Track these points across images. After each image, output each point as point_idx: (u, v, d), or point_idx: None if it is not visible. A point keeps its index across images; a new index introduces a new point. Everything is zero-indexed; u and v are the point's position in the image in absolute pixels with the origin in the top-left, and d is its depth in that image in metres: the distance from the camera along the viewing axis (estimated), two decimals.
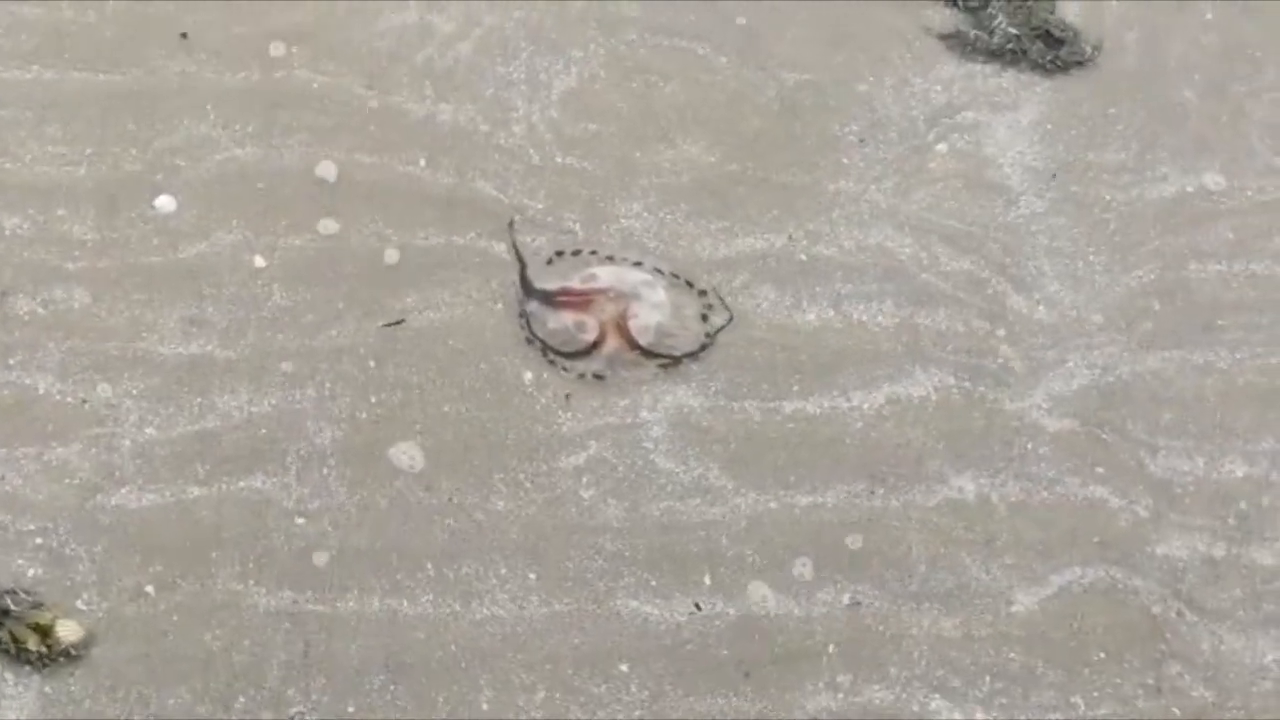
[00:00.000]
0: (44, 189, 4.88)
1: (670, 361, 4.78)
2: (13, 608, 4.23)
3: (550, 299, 4.81)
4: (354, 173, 5.01)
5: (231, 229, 4.88)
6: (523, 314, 4.80)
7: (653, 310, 4.83)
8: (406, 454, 4.59)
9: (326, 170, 5.00)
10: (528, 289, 4.82)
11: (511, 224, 4.91)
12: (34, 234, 4.81)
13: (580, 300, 4.81)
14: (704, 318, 4.87)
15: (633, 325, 4.79)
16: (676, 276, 4.92)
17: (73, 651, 4.22)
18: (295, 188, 4.97)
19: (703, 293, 4.92)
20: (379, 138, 5.08)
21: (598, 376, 4.74)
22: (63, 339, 4.66)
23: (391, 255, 4.88)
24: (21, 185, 4.87)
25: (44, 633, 4.22)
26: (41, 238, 4.81)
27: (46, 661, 4.21)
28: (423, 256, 4.90)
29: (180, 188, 4.93)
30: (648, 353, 4.78)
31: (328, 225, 4.92)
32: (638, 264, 4.93)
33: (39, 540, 4.37)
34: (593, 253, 4.94)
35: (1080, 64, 5.45)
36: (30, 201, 4.85)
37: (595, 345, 4.77)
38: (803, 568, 4.53)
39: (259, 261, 4.84)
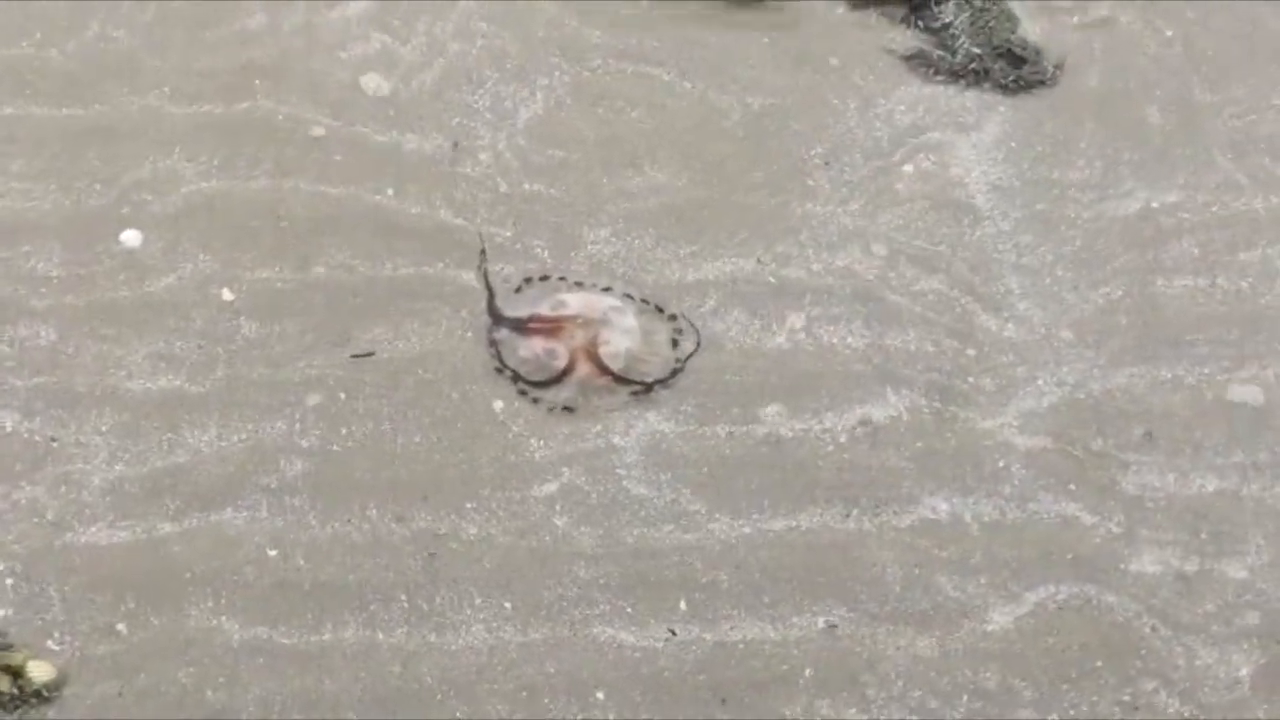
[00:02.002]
0: (9, 225, 4.86)
1: (642, 388, 4.78)
2: None
3: (520, 326, 4.80)
4: (320, 204, 5.00)
5: (199, 262, 4.86)
6: (492, 343, 4.79)
7: (623, 336, 4.82)
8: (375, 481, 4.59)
9: (291, 203, 4.99)
10: (496, 317, 4.81)
11: (482, 252, 4.90)
12: None
13: (550, 327, 4.81)
14: (674, 343, 4.87)
15: (603, 352, 4.79)
16: (646, 302, 4.92)
17: (45, 692, 4.19)
18: (262, 220, 4.95)
19: (673, 317, 4.92)
20: (345, 168, 5.07)
21: (568, 409, 4.74)
22: (30, 376, 4.63)
23: (358, 286, 4.87)
24: None
25: (15, 674, 4.18)
26: (7, 274, 4.78)
27: (18, 703, 4.17)
28: (391, 287, 4.89)
29: (146, 222, 4.91)
30: (619, 379, 4.77)
31: (295, 257, 4.90)
32: (607, 289, 4.93)
33: (8, 580, 4.34)
34: (561, 279, 4.94)
35: (1042, 83, 5.48)
36: None
37: (566, 372, 4.76)
38: (776, 591, 4.54)
39: (226, 295, 4.82)
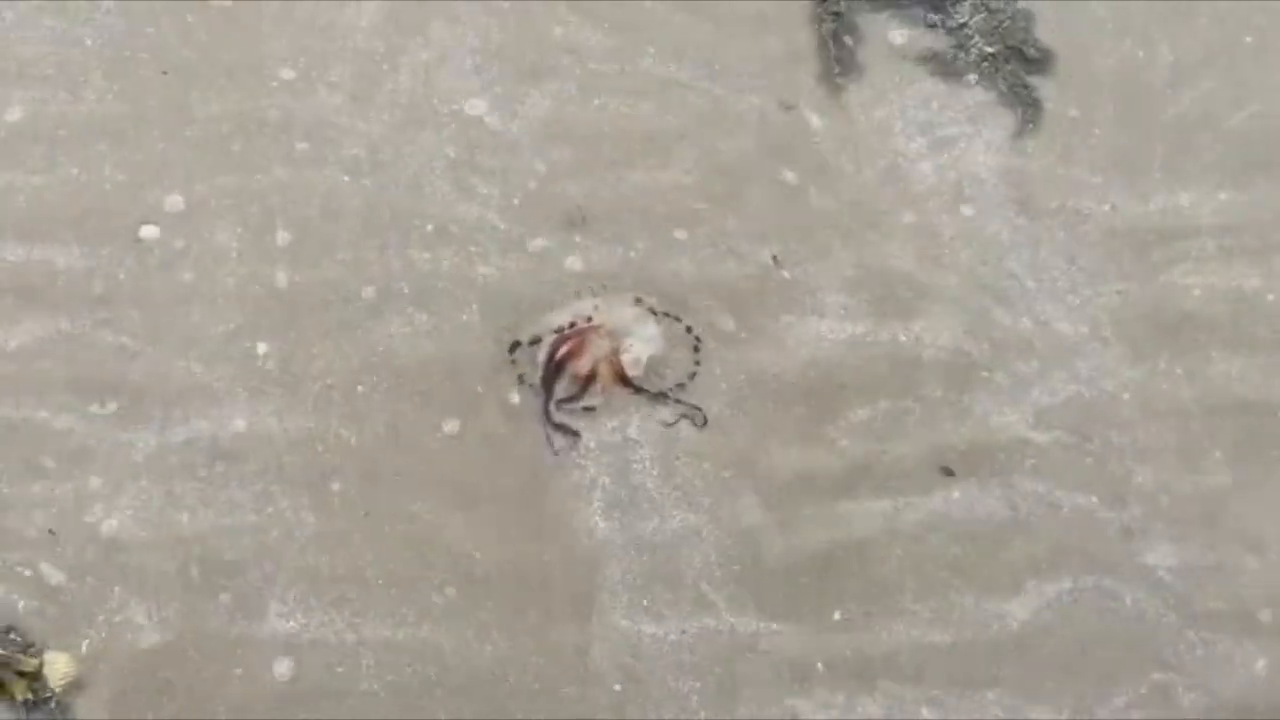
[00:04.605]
0: (26, 218, 4.88)
1: (658, 396, 4.78)
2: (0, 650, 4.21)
3: (551, 364, 4.80)
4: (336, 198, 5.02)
5: (215, 257, 4.87)
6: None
7: (644, 344, 4.83)
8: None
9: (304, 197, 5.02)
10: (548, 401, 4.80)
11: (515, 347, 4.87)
12: (18, 262, 4.80)
13: (574, 345, 4.81)
14: (695, 349, 4.87)
15: (624, 359, 4.80)
16: (667, 314, 4.91)
17: (64, 687, 4.20)
18: (277, 214, 4.97)
19: (689, 329, 4.91)
20: (361, 162, 5.09)
21: (588, 408, 4.75)
22: (48, 368, 4.65)
23: (373, 280, 4.90)
24: (3, 213, 4.87)
25: (32, 678, 4.19)
26: (24, 267, 4.80)
27: (37, 701, 4.18)
28: (407, 281, 4.91)
29: (163, 216, 4.93)
30: (638, 388, 4.78)
31: (310, 251, 4.92)
32: (634, 300, 4.92)
33: (27, 572, 4.36)
34: (578, 293, 4.94)
35: (1056, 81, 5.49)
36: (13, 231, 4.85)
37: (590, 379, 4.77)
38: (790, 584, 4.55)
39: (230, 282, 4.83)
